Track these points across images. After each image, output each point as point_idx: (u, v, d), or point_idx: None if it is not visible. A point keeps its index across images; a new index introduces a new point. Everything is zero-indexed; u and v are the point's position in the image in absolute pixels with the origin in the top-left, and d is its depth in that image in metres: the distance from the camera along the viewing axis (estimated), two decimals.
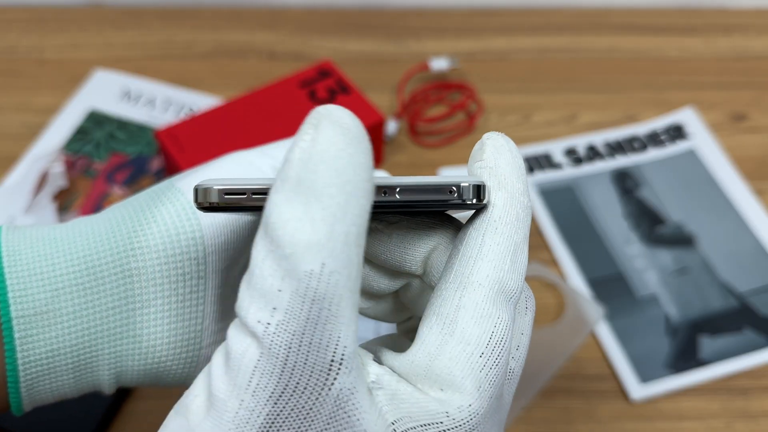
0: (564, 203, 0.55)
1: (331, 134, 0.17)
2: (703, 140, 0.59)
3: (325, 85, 0.54)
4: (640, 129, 0.61)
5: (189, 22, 0.70)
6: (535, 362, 0.45)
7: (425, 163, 0.58)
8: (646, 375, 0.46)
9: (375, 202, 0.19)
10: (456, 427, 0.18)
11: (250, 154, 0.28)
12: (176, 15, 0.71)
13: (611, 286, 0.50)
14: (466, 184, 0.19)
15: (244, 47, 0.68)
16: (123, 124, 0.59)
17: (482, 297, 0.19)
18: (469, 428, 0.18)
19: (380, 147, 0.56)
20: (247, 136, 0.51)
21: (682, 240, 0.53)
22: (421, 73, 0.65)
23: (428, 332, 0.19)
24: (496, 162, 0.20)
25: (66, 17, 0.70)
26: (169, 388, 0.45)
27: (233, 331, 0.18)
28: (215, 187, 0.19)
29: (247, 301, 0.18)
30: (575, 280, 0.50)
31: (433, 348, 0.19)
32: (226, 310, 0.27)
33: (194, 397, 0.18)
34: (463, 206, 0.19)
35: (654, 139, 0.60)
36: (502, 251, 0.20)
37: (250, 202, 0.19)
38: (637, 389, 0.45)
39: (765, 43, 0.69)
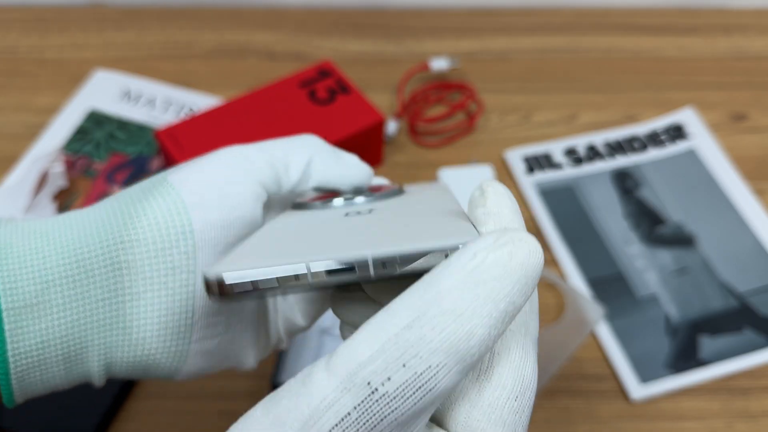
0: (564, 203, 0.55)
1: (525, 258, 0.17)
2: (703, 140, 0.59)
3: (325, 85, 0.54)
4: (640, 129, 0.61)
5: (189, 22, 0.70)
6: None
7: (425, 163, 0.58)
8: (646, 375, 0.46)
9: (376, 275, 0.18)
10: None
11: (247, 149, 0.28)
12: (176, 15, 0.71)
13: (611, 286, 0.50)
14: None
15: (244, 47, 0.68)
16: (123, 124, 0.59)
17: (513, 342, 0.20)
18: None
19: (380, 147, 0.56)
20: (247, 136, 0.51)
21: (682, 240, 0.53)
22: (421, 73, 0.65)
23: (466, 381, 0.19)
24: (499, 209, 0.21)
25: (66, 17, 0.70)
26: (166, 387, 0.45)
27: (323, 374, 0.17)
28: (227, 282, 0.19)
29: (363, 356, 0.17)
30: (575, 280, 0.50)
31: (473, 394, 0.19)
32: (217, 305, 0.27)
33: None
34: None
35: (654, 139, 0.60)
36: None
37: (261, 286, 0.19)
38: (637, 389, 0.45)
39: (765, 43, 0.69)
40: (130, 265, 0.25)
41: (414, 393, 0.17)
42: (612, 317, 0.48)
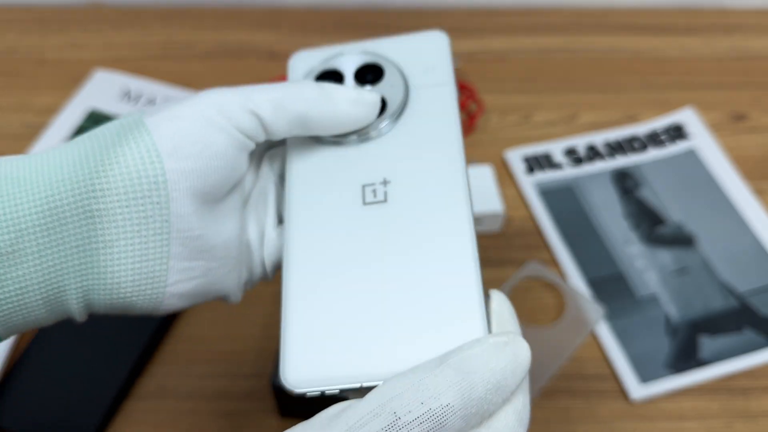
0: (564, 203, 0.55)
1: (518, 350, 0.23)
2: (703, 140, 0.59)
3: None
4: (640, 129, 0.61)
5: (189, 22, 0.70)
6: (535, 362, 0.45)
7: None
8: (646, 375, 0.46)
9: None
10: None
11: (227, 95, 0.27)
12: (176, 15, 0.71)
13: (611, 286, 0.50)
14: None
15: (244, 47, 0.68)
16: None
17: (511, 407, 0.23)
18: None
19: None
20: None
21: (682, 240, 0.53)
22: None
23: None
24: (501, 311, 0.25)
25: (66, 17, 0.70)
26: (166, 388, 0.45)
27: (361, 402, 0.22)
28: (304, 394, 0.24)
29: (394, 392, 0.22)
30: (575, 280, 0.50)
31: None
32: (194, 251, 0.27)
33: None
34: None
35: (654, 139, 0.60)
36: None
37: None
38: (637, 389, 0.45)
39: (765, 43, 0.69)
40: (102, 213, 0.25)
41: (427, 424, 0.21)
42: (612, 317, 0.48)
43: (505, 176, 0.58)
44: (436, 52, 0.31)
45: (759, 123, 0.62)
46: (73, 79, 0.63)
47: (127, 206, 0.25)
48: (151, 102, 0.61)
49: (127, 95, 0.61)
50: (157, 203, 0.25)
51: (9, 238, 0.24)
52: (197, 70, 0.65)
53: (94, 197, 0.25)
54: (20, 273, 0.25)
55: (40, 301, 0.25)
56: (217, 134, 0.27)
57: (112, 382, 0.43)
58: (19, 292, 0.25)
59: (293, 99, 0.28)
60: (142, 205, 0.25)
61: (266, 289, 0.42)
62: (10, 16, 0.70)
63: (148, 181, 0.25)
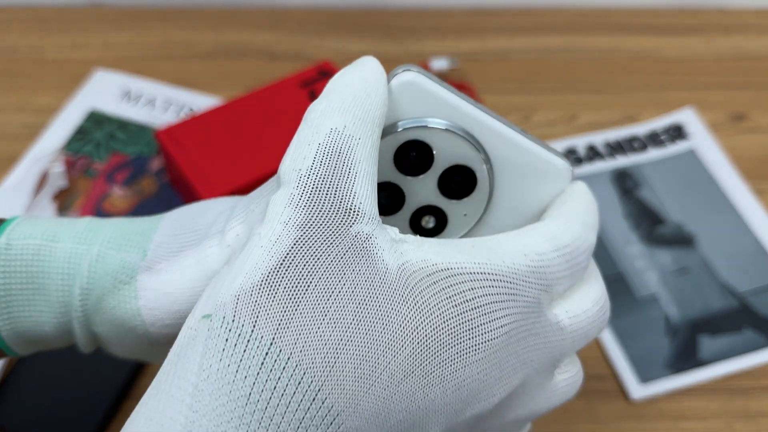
0: None
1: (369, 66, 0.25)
2: (703, 140, 0.59)
3: (325, 85, 0.54)
4: (640, 129, 0.61)
5: (189, 22, 0.70)
6: None
7: None
8: (646, 375, 0.46)
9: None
10: (481, 272, 0.23)
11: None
12: (176, 15, 0.71)
13: (611, 286, 0.50)
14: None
15: (244, 47, 0.68)
16: (123, 124, 0.59)
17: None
18: (501, 278, 0.24)
19: None
20: (247, 136, 0.51)
21: (682, 240, 0.53)
22: None
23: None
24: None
25: (66, 17, 0.70)
26: None
27: (273, 196, 0.22)
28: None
29: (287, 156, 0.23)
30: None
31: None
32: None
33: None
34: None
35: (654, 139, 0.60)
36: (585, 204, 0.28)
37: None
38: (637, 389, 0.45)
39: (765, 43, 0.69)
40: None
41: (324, 156, 0.23)
42: (612, 317, 0.48)
43: None
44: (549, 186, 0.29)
45: (759, 123, 0.62)
46: (73, 79, 0.63)
47: None
48: (151, 102, 0.61)
49: (127, 95, 0.61)
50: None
51: None
52: (197, 70, 0.65)
53: None
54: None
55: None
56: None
57: (112, 383, 0.43)
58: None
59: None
60: None
61: None
62: (10, 16, 0.70)
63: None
